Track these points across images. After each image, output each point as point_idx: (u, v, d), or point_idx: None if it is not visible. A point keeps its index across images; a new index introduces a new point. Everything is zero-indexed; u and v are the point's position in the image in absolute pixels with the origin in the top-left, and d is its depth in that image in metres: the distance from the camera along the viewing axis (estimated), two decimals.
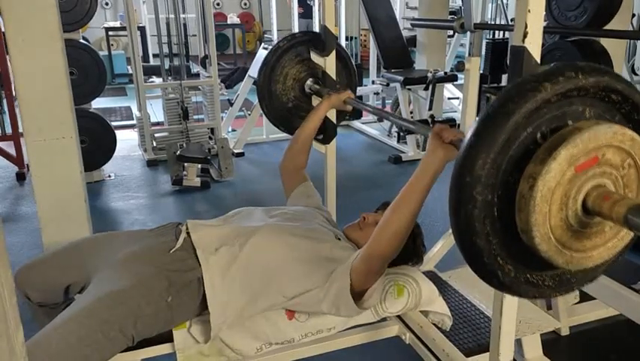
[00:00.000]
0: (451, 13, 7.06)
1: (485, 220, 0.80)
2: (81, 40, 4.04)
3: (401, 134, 4.81)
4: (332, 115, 2.04)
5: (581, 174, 0.77)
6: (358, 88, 5.63)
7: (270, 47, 2.12)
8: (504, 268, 0.84)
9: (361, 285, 1.39)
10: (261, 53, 5.69)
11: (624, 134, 0.78)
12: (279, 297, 1.49)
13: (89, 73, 3.86)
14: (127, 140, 5.11)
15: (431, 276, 1.89)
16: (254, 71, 5.55)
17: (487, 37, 4.76)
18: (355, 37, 6.11)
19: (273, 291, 1.49)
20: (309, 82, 2.11)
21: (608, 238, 0.84)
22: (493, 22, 5.45)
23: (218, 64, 4.76)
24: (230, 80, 7.37)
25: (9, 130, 4.34)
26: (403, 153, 4.71)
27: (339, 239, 1.65)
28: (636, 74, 5.34)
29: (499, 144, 0.77)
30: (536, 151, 0.78)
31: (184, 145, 4.39)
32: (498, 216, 0.81)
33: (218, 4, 10.82)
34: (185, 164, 3.98)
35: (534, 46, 1.00)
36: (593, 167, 0.78)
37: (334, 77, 2.02)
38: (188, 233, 1.60)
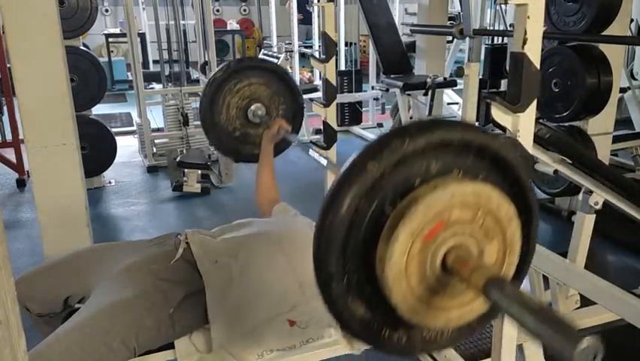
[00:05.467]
0: (450, 18, 7.07)
1: (354, 303, 0.80)
2: (81, 47, 4.06)
3: None
4: (332, 121, 2.04)
5: (432, 241, 0.76)
6: (359, 94, 5.70)
7: (208, 79, 2.14)
8: (393, 339, 0.84)
9: None
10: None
11: (464, 192, 0.75)
12: (282, 306, 1.50)
13: (89, 79, 3.87)
14: (127, 146, 5.11)
15: None
16: None
17: (486, 42, 4.76)
18: (355, 43, 6.12)
19: (273, 299, 1.49)
20: (252, 108, 2.11)
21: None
22: (492, 28, 5.46)
23: None
24: None
25: (9, 136, 4.35)
26: None
27: None
28: (635, 79, 5.34)
29: (340, 237, 0.76)
30: (384, 225, 0.77)
31: (184, 151, 4.40)
32: (371, 294, 0.80)
33: (217, 11, 10.85)
34: (186, 170, 3.98)
35: (533, 52, 1.00)
36: (441, 231, 0.76)
37: (334, 83, 2.03)
38: (187, 243, 1.60)
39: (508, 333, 1.19)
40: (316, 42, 6.66)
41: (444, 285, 0.78)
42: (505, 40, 4.57)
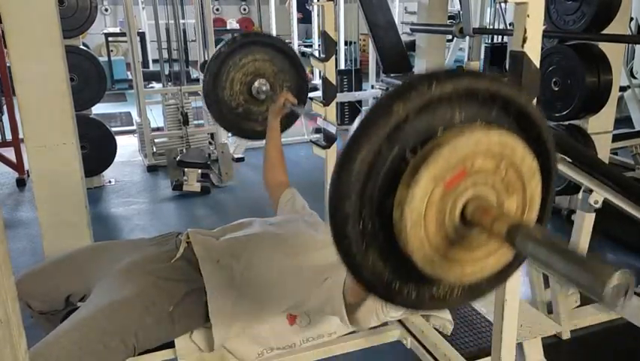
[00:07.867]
0: (450, 17, 7.06)
1: (368, 251, 0.77)
2: (81, 47, 4.06)
3: None
4: (332, 120, 2.04)
5: (452, 190, 0.74)
6: (358, 93, 5.70)
7: (213, 53, 2.09)
8: (403, 292, 0.81)
9: (354, 294, 1.39)
10: None
11: (489, 140, 0.74)
12: (283, 305, 1.50)
13: (89, 79, 3.86)
14: (127, 145, 5.10)
15: None
16: None
17: (486, 41, 4.77)
18: (354, 42, 6.11)
19: (274, 300, 1.49)
20: (256, 84, 2.08)
21: (500, 245, 0.79)
22: (491, 27, 5.46)
23: None
24: None
25: (9, 136, 4.35)
26: None
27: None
28: (635, 78, 5.33)
29: (361, 177, 0.73)
30: (405, 171, 0.74)
31: (184, 150, 4.40)
32: (385, 242, 0.77)
33: (217, 10, 10.85)
34: (186, 169, 3.98)
35: (533, 50, 1.00)
36: (463, 179, 0.74)
37: (334, 82, 2.03)
38: (188, 242, 1.60)
39: (508, 332, 1.19)
40: (316, 41, 6.66)
41: (461, 237, 0.77)
42: (505, 39, 4.57)
